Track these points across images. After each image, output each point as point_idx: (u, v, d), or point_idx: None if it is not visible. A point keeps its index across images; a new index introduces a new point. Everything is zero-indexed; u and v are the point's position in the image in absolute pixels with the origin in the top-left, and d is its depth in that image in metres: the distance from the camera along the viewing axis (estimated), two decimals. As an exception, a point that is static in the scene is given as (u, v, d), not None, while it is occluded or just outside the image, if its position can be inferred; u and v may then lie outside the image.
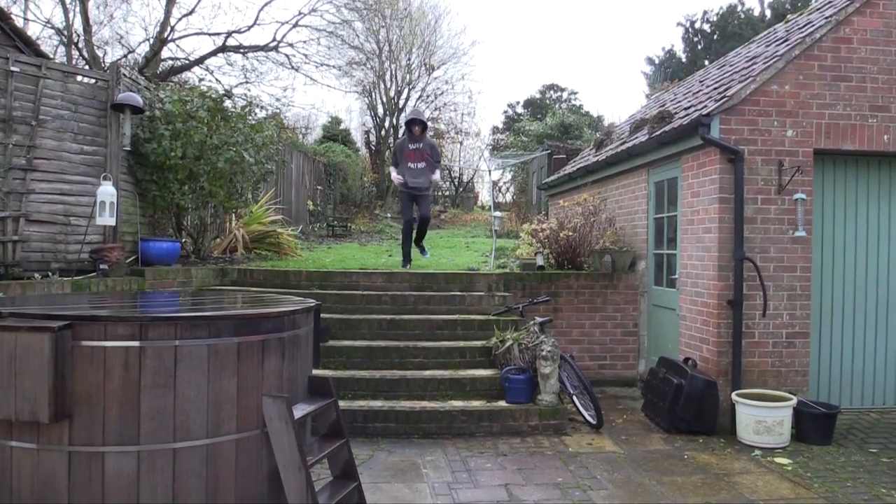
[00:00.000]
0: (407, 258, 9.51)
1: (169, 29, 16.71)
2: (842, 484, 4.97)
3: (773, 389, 6.28)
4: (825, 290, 6.82)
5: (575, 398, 6.73)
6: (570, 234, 8.73)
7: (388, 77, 27.76)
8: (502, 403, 6.32)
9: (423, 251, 10.06)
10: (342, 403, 5.33)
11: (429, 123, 8.05)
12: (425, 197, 9.58)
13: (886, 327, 6.92)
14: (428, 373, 6.67)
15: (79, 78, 7.75)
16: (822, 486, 4.91)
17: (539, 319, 6.96)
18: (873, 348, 6.91)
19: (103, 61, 16.18)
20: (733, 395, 6.13)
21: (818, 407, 6.05)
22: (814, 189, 6.62)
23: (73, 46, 16.09)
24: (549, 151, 18.60)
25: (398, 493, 4.71)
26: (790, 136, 6.48)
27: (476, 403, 6.36)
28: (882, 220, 6.92)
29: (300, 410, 3.82)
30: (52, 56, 12.82)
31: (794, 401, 6.01)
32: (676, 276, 7.33)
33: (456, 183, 32.48)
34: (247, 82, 18.99)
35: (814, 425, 5.97)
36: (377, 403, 6.22)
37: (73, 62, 15.85)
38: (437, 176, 9.53)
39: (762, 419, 5.88)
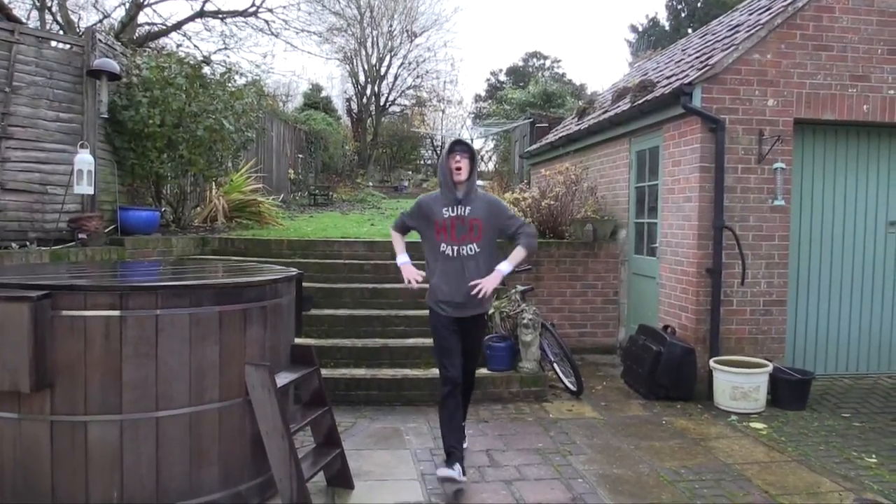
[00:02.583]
0: (454, 457, 4.33)
1: (145, -7, 16.37)
2: (815, 448, 5.09)
3: (750, 356, 6.38)
4: (802, 258, 6.91)
5: (556, 365, 6.81)
6: (552, 203, 8.74)
7: (369, 44, 27.48)
8: (484, 371, 6.37)
9: (457, 457, 4.38)
10: (325, 372, 5.35)
11: (468, 141, 5.33)
12: (479, 325, 4.76)
13: (861, 296, 7.04)
14: (410, 341, 6.71)
15: (53, 43, 7.59)
16: (796, 450, 5.03)
17: (520, 288, 7.00)
18: (848, 316, 7.03)
19: (78, 26, 15.85)
20: (711, 362, 6.23)
21: (793, 373, 6.17)
22: (793, 158, 6.66)
23: (46, 11, 15.73)
24: (531, 120, 18.53)
25: (381, 459, 4.76)
26: (771, 106, 6.51)
27: (458, 371, 6.41)
28: (860, 190, 6.99)
29: (283, 379, 3.84)
30: (25, 21, 12.54)
31: (770, 367, 6.11)
32: (657, 244, 7.39)
33: (438, 152, 32.33)
34: (226, 49, 18.72)
35: (789, 391, 6.09)
36: (360, 371, 6.26)
37: (47, 27, 15.51)
38: (507, 267, 4.43)
39: (739, 385, 5.99)
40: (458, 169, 4.34)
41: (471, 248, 4.37)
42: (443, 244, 4.39)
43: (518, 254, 4.42)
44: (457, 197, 4.38)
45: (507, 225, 4.49)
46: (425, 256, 4.58)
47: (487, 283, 4.30)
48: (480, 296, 4.28)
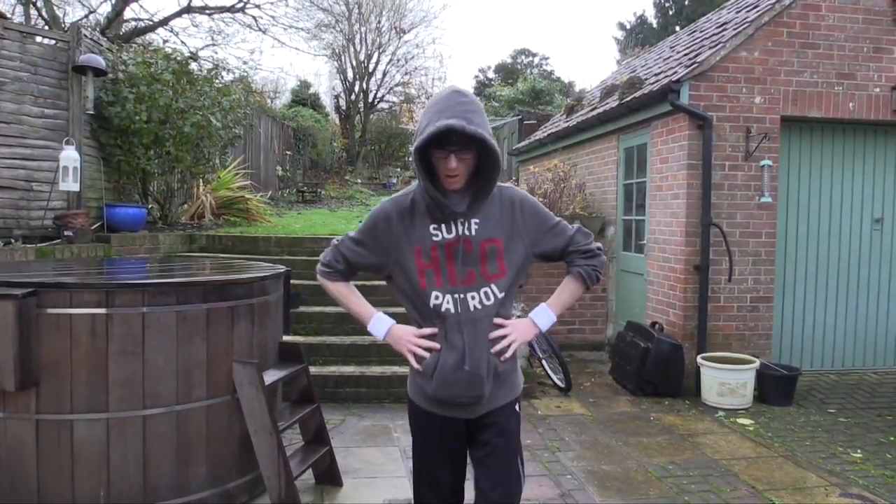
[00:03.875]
0: None
1: (131, -12, 16.25)
2: (801, 443, 5.13)
3: (737, 352, 6.42)
4: (789, 255, 6.95)
5: (544, 362, 6.82)
6: (541, 199, 8.75)
7: (357, 40, 27.39)
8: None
9: None
10: (313, 369, 5.34)
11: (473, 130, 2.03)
12: (508, 428, 2.45)
13: (847, 292, 7.09)
14: (399, 338, 6.69)
15: (38, 39, 7.52)
16: (783, 446, 5.06)
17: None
18: (834, 312, 7.08)
19: (63, 22, 15.72)
20: (698, 359, 6.26)
21: (780, 369, 6.20)
22: (780, 156, 6.70)
23: (31, 6, 15.58)
24: (519, 117, 18.54)
25: (370, 456, 4.76)
26: (758, 103, 6.54)
27: (447, 368, 6.41)
28: (846, 188, 7.04)
29: (271, 376, 3.82)
30: (9, 16, 12.44)
31: (757, 363, 6.15)
32: (645, 241, 7.42)
33: (427, 149, 32.28)
34: (213, 45, 18.70)
35: (775, 387, 6.13)
36: (348, 369, 6.24)
37: (32, 22, 15.37)
38: (547, 317, 2.47)
39: (726, 381, 6.02)
40: (453, 177, 2.21)
41: (487, 294, 2.30)
42: (434, 293, 2.28)
43: (571, 290, 2.46)
44: (452, 208, 2.25)
45: (552, 239, 2.40)
46: (414, 316, 2.41)
47: (517, 333, 2.35)
48: (504, 356, 2.33)
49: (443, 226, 2.29)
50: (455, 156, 2.16)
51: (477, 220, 2.30)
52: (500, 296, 2.32)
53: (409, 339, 2.36)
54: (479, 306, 2.30)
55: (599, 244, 2.45)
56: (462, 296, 2.29)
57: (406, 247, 2.31)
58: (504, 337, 2.33)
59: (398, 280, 2.37)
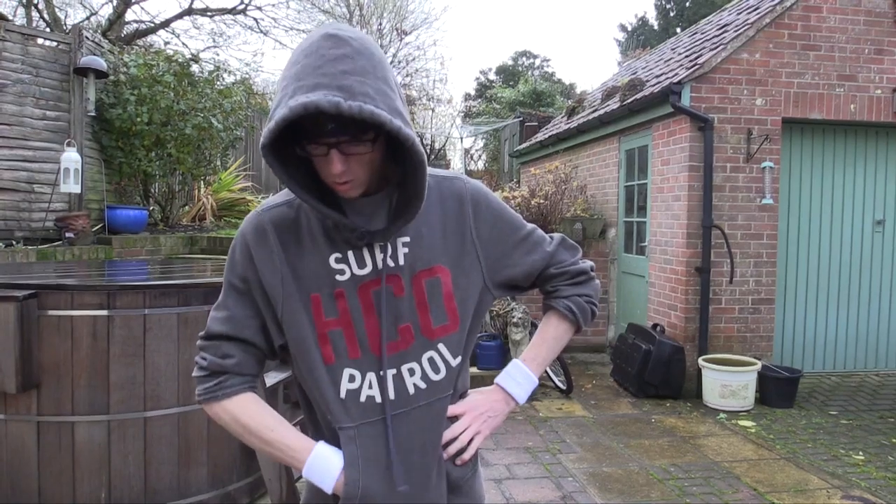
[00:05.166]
0: None
1: (133, -10, 16.27)
2: (802, 445, 5.12)
3: (739, 354, 6.41)
4: (790, 257, 6.94)
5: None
6: (542, 201, 8.75)
7: (359, 42, 27.38)
8: (473, 370, 6.37)
9: None
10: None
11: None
12: None
13: (848, 294, 7.08)
14: (400, 340, 6.68)
15: (39, 41, 7.53)
16: (784, 448, 5.06)
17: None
18: (835, 314, 7.07)
19: (65, 24, 15.74)
20: (700, 360, 6.25)
21: (781, 371, 6.20)
22: (781, 157, 6.70)
23: (33, 8, 15.60)
24: (521, 119, 18.53)
25: (371, 458, 4.75)
26: (759, 105, 6.53)
27: (448, 370, 6.40)
28: (847, 189, 7.03)
29: (271, 378, 3.82)
30: (11, 18, 12.46)
31: (759, 365, 6.14)
32: (646, 243, 7.41)
33: (428, 151, 32.36)
34: (214, 46, 18.67)
35: (777, 389, 6.12)
36: (349, 371, 6.22)
37: (34, 24, 15.39)
38: (523, 380, 1.55)
39: (727, 383, 6.01)
40: (343, 183, 1.28)
41: (434, 364, 1.41)
42: (348, 372, 1.37)
43: (556, 336, 1.60)
44: (361, 227, 1.34)
45: (523, 257, 1.53)
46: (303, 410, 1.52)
47: (481, 419, 1.49)
48: (462, 458, 1.47)
49: (350, 254, 1.36)
50: (338, 152, 1.22)
51: (406, 239, 1.38)
52: (454, 363, 1.41)
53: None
54: (422, 385, 1.39)
55: (591, 262, 1.64)
56: (395, 371, 1.37)
57: (293, 294, 1.36)
58: (462, 430, 1.46)
59: (291, 348, 1.39)
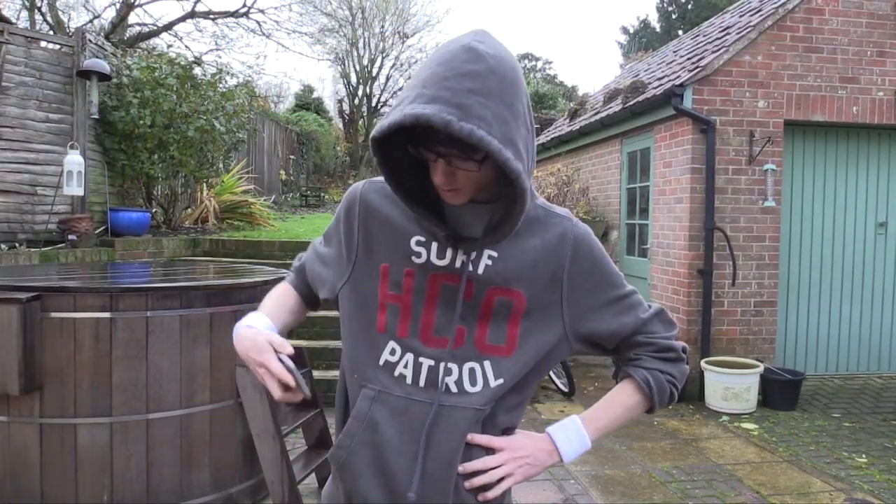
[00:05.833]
0: None
1: (135, -7, 16.31)
2: (805, 448, 5.11)
3: (741, 357, 6.40)
4: (793, 259, 6.93)
5: (551, 370, 6.79)
6: (544, 204, 8.74)
7: (361, 45, 27.45)
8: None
9: None
10: (316, 373, 5.33)
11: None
12: None
13: (851, 296, 7.07)
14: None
15: (43, 44, 7.56)
16: (787, 451, 5.05)
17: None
18: (838, 317, 7.06)
19: (68, 26, 15.77)
20: (702, 363, 6.24)
21: (784, 374, 6.19)
22: (784, 160, 6.69)
23: (36, 11, 15.65)
24: (523, 121, 18.52)
25: (373, 461, 4.75)
26: (761, 107, 6.53)
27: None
28: (850, 192, 7.03)
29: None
30: (14, 21, 12.49)
31: (761, 368, 6.13)
32: (648, 245, 7.41)
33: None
34: (217, 49, 18.67)
35: (780, 391, 6.11)
36: (351, 373, 6.23)
37: (37, 27, 15.43)
38: (577, 442, 1.50)
39: (730, 386, 6.00)
40: (449, 191, 1.29)
41: (474, 375, 1.36)
42: (391, 345, 1.39)
43: (626, 406, 1.53)
44: (460, 231, 1.37)
45: (613, 318, 1.44)
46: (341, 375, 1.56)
47: (517, 462, 1.40)
48: (485, 496, 1.38)
49: (434, 243, 1.37)
50: (445, 163, 1.24)
51: (494, 254, 1.36)
52: (493, 383, 1.36)
53: (263, 355, 1.40)
54: (454, 389, 1.35)
55: (685, 344, 1.55)
56: (433, 363, 1.36)
57: (364, 262, 1.43)
58: (495, 465, 1.38)
59: (344, 307, 1.49)
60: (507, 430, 1.43)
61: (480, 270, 1.35)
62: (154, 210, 9.18)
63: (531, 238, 1.37)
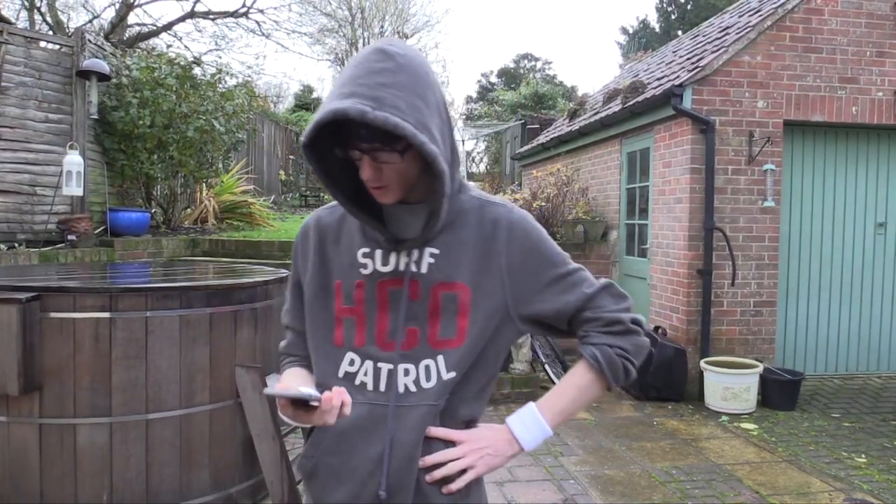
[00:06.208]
0: None
1: (135, -7, 16.31)
2: (805, 448, 5.11)
3: (741, 357, 6.41)
4: (792, 259, 6.94)
5: (547, 366, 6.81)
6: (543, 204, 8.75)
7: (360, 45, 27.42)
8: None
9: None
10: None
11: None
12: None
13: (850, 297, 7.07)
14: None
15: (42, 44, 7.56)
16: (786, 451, 5.05)
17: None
18: (837, 317, 7.07)
19: (67, 27, 15.77)
20: (702, 363, 6.24)
21: (784, 374, 6.19)
22: (783, 160, 6.69)
23: (35, 11, 15.64)
24: (522, 121, 18.55)
25: (372, 461, 4.74)
26: (761, 107, 6.53)
27: (449, 372, 6.41)
28: (849, 192, 7.03)
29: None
30: (14, 21, 12.50)
31: (761, 368, 6.14)
32: (648, 245, 7.41)
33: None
34: (217, 49, 18.67)
35: (779, 391, 6.11)
36: (351, 373, 6.23)
37: (36, 27, 15.43)
38: (536, 429, 1.49)
39: (729, 386, 6.00)
40: (377, 188, 1.35)
41: (428, 371, 1.42)
42: (349, 356, 1.45)
43: (581, 387, 1.53)
44: (398, 234, 1.44)
45: (556, 297, 1.47)
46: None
47: (478, 454, 1.43)
48: (448, 488, 1.41)
49: (378, 252, 1.43)
50: (370, 158, 1.29)
51: (435, 251, 1.41)
52: (445, 376, 1.40)
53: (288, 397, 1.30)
54: (412, 388, 1.40)
55: (638, 316, 1.51)
56: (392, 367, 1.41)
57: (320, 280, 1.50)
58: (454, 457, 1.42)
59: (307, 327, 1.54)
60: (470, 423, 1.48)
61: (424, 269, 1.41)
62: (153, 210, 9.17)
63: (468, 229, 1.43)
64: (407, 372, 1.41)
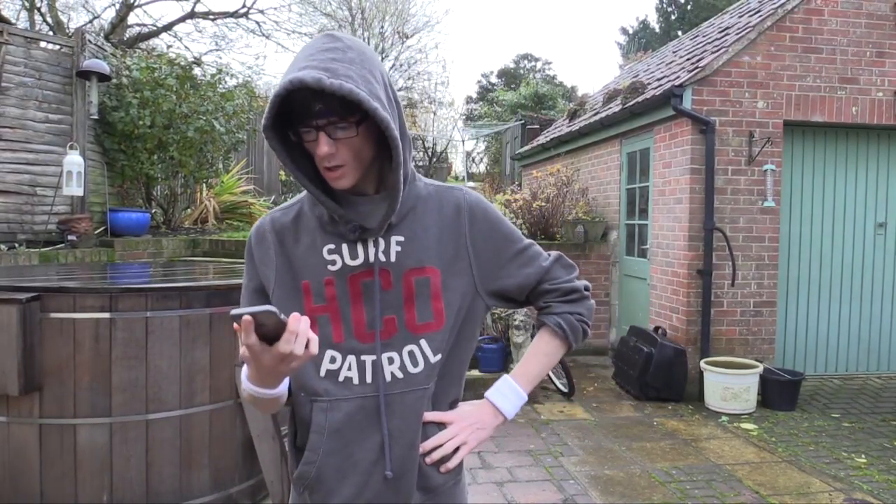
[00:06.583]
0: None
1: (135, -7, 16.32)
2: (804, 448, 5.11)
3: (741, 357, 6.41)
4: (792, 260, 6.94)
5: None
6: (543, 204, 8.75)
7: (360, 45, 27.43)
8: (475, 372, 6.37)
9: None
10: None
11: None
12: None
13: (850, 297, 7.07)
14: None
15: (42, 44, 7.56)
16: (786, 451, 5.05)
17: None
18: (837, 317, 7.07)
19: (67, 27, 15.78)
20: (702, 363, 6.24)
21: (783, 374, 6.19)
22: (783, 160, 6.70)
23: (35, 11, 15.65)
24: (522, 122, 18.55)
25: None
26: (761, 108, 6.54)
27: (449, 373, 6.41)
28: (849, 192, 7.03)
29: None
30: (14, 21, 12.50)
31: (761, 368, 6.14)
32: (648, 246, 7.41)
33: (430, 154, 32.36)
34: (217, 50, 18.69)
35: (779, 392, 6.11)
36: (351, 373, 6.23)
37: (37, 28, 15.43)
38: (512, 397, 1.57)
39: (729, 386, 6.00)
40: (333, 169, 1.36)
41: (413, 357, 1.45)
42: (329, 353, 1.45)
43: (546, 352, 1.62)
44: (358, 221, 1.43)
45: (517, 270, 1.56)
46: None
47: (468, 430, 1.51)
48: (446, 466, 1.50)
49: (344, 246, 1.44)
50: (325, 134, 1.30)
51: (401, 239, 1.44)
52: (433, 359, 1.45)
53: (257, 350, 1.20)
54: (399, 375, 1.44)
55: (586, 282, 1.64)
56: (375, 358, 1.43)
57: (287, 283, 1.47)
58: (449, 438, 1.49)
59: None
60: (454, 403, 1.55)
61: (393, 258, 1.44)
62: (154, 210, 9.17)
63: (430, 214, 1.48)
64: (391, 360, 1.44)
